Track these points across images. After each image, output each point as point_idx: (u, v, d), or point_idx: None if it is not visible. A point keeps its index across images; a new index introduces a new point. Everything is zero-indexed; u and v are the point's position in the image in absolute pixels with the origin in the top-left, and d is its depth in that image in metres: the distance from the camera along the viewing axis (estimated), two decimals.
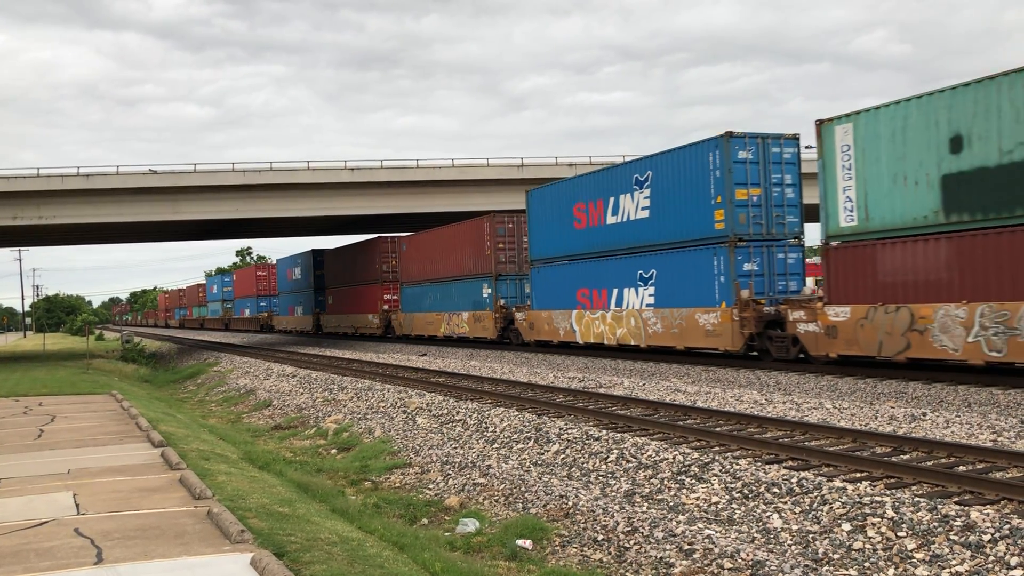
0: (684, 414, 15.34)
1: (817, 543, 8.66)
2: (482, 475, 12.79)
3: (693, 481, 10.97)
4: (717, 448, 12.38)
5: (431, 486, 12.89)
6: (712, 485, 10.70)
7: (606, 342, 27.73)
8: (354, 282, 50.57)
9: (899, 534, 8.39)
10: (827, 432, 12.71)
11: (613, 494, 11.25)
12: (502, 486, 12.07)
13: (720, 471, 10.99)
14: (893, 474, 10.11)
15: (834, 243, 19.82)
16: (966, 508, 8.58)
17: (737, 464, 11.10)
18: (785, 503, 9.70)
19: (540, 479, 12.21)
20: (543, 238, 31.76)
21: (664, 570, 8.60)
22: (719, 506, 10.11)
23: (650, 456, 12.11)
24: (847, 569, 8.06)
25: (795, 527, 9.10)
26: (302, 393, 24.60)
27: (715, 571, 8.34)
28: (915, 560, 7.91)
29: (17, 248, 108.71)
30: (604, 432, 13.81)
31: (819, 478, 10.12)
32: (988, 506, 8.77)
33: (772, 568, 8.10)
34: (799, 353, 20.94)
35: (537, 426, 14.97)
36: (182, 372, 40.56)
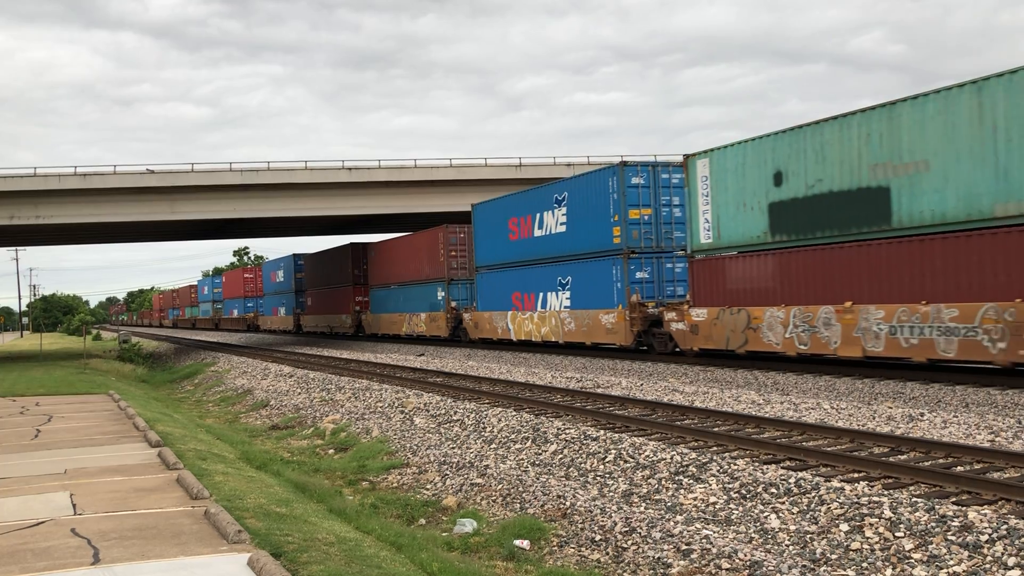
0: (682, 414, 15.34)
1: (815, 543, 8.66)
2: (480, 475, 12.78)
3: (691, 481, 10.97)
4: (715, 448, 12.38)
5: (429, 486, 12.88)
6: (710, 485, 10.70)
7: (533, 339, 31.82)
8: (330, 285, 54.28)
9: (897, 534, 8.39)
10: (825, 432, 12.72)
11: (611, 494, 11.25)
12: (500, 486, 12.06)
13: (718, 471, 10.99)
14: (891, 474, 10.12)
15: (697, 256, 23.59)
16: (964, 508, 8.58)
17: (735, 464, 11.10)
18: (783, 503, 9.70)
19: (538, 479, 12.20)
20: (486, 247, 35.61)
21: (662, 570, 8.60)
22: (717, 506, 10.11)
23: (648, 456, 12.11)
24: (845, 569, 8.06)
25: (793, 527, 9.10)
26: (299, 393, 24.58)
27: (713, 571, 8.34)
28: (912, 560, 7.91)
29: (14, 248, 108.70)
30: (602, 432, 13.81)
31: (817, 478, 10.12)
32: (986, 506, 8.77)
33: (770, 568, 8.10)
34: (674, 347, 24.87)
35: (535, 426, 14.97)
36: (179, 372, 40.52)
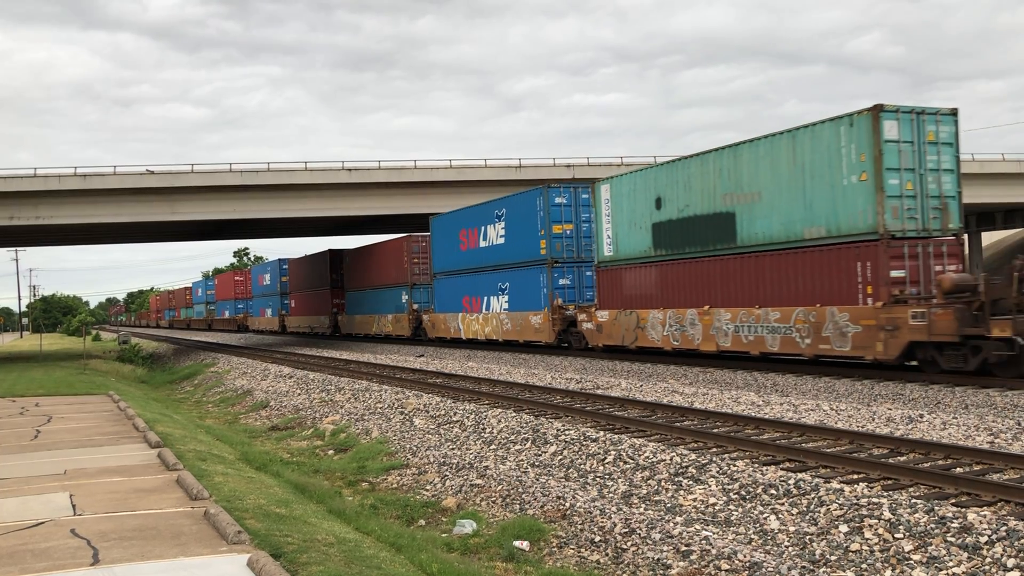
0: (681, 415, 15.34)
1: (814, 544, 8.66)
2: (479, 476, 12.79)
3: (690, 482, 10.97)
4: (714, 449, 12.38)
5: (428, 487, 12.88)
6: (709, 486, 10.70)
7: (479, 337, 35.73)
8: (311, 288, 58.43)
9: (896, 536, 8.39)
10: (824, 433, 12.72)
11: (610, 495, 11.25)
12: (499, 487, 12.07)
13: (717, 472, 10.99)
14: (890, 476, 10.12)
15: (602, 267, 28.03)
16: (963, 510, 8.58)
17: (734, 465, 11.10)
18: (782, 504, 9.71)
19: (537, 480, 12.20)
20: (441, 256, 39.57)
21: (661, 571, 8.60)
22: (716, 507, 10.11)
23: (647, 457, 12.11)
24: (844, 571, 8.06)
25: (792, 528, 9.10)
26: (299, 394, 24.58)
27: (712, 572, 8.34)
28: (912, 562, 7.92)
29: (14, 248, 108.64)
30: (601, 433, 13.81)
31: (816, 479, 10.12)
32: (985, 508, 8.78)
33: (769, 569, 8.10)
34: (585, 344, 29.09)
35: (534, 427, 14.97)
36: (179, 372, 40.51)
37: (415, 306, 42.59)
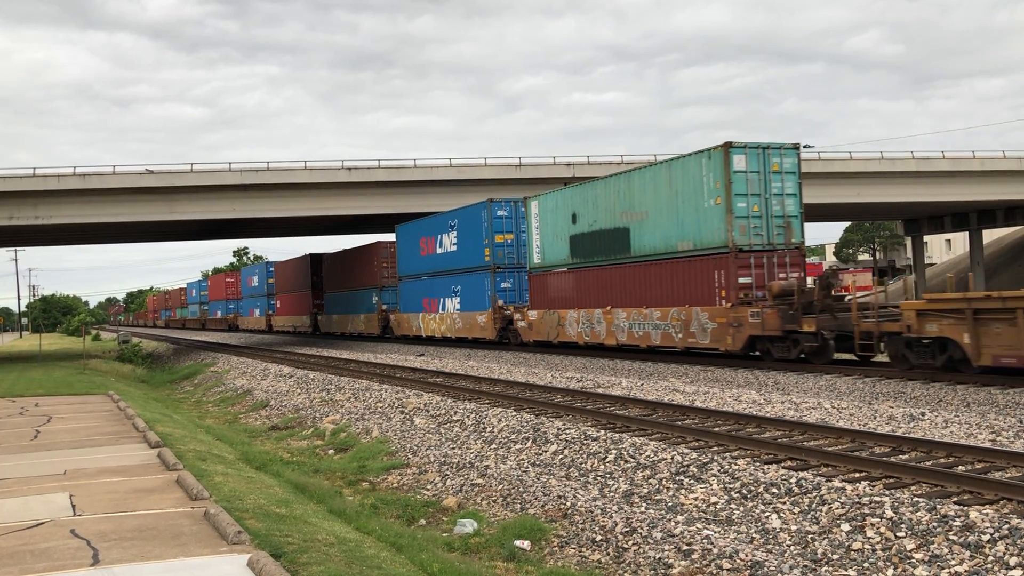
0: (682, 414, 15.32)
1: (816, 543, 8.64)
2: (480, 475, 12.76)
3: (692, 481, 10.95)
4: (716, 448, 12.36)
5: (429, 486, 12.86)
6: (711, 485, 10.68)
7: (436, 335, 39.47)
8: (294, 290, 62.23)
9: (898, 534, 8.37)
10: (826, 432, 12.70)
11: (611, 494, 11.23)
12: (500, 486, 12.04)
13: (719, 471, 10.97)
14: (892, 474, 10.10)
15: (533, 272, 32.29)
16: (965, 508, 8.56)
17: (736, 464, 11.08)
18: (784, 503, 9.68)
19: (538, 479, 12.18)
20: (405, 261, 43.25)
21: (663, 571, 8.58)
22: (718, 506, 10.09)
23: (648, 456, 12.08)
24: (846, 569, 8.04)
25: (794, 527, 9.08)
26: (299, 393, 24.56)
27: (714, 571, 8.32)
28: (914, 560, 7.89)
29: (13, 248, 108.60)
30: (602, 432, 13.78)
31: (818, 478, 10.10)
32: (987, 506, 8.76)
33: (771, 568, 8.08)
34: (520, 340, 33.04)
35: (535, 426, 14.95)
36: (179, 372, 40.49)
37: (384, 307, 46.11)
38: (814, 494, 9.64)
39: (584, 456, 12.90)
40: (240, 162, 42.72)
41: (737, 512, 9.81)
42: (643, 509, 10.43)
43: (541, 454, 13.59)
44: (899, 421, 13.57)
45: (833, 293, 21.63)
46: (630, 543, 9.29)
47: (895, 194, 48.76)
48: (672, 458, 11.77)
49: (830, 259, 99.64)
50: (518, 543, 9.67)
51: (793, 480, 10.12)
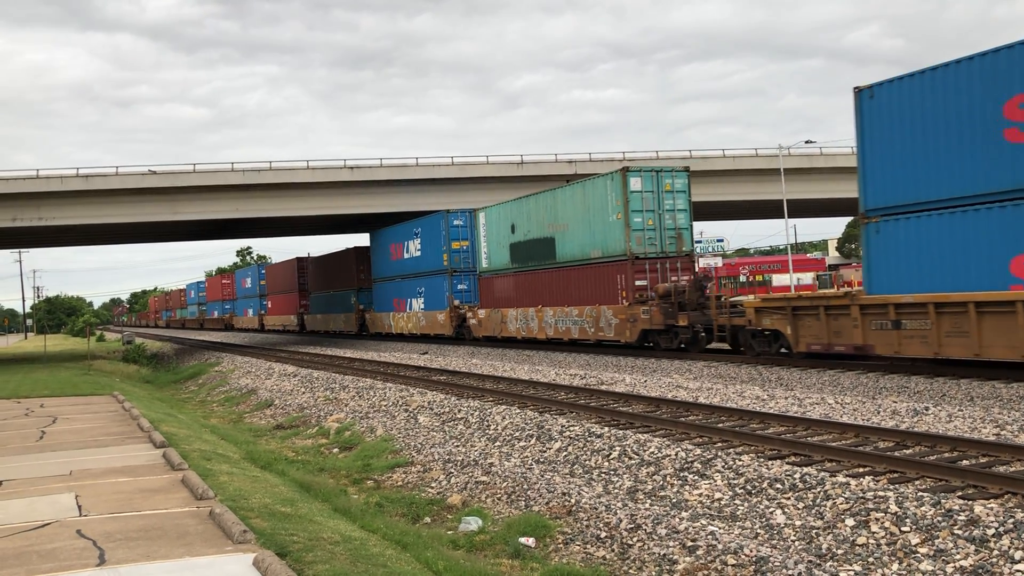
0: (686, 410, 15.33)
1: (821, 539, 8.64)
2: (484, 473, 12.77)
3: (696, 477, 10.95)
4: (719, 444, 12.36)
5: (433, 484, 12.87)
6: (715, 481, 10.69)
7: (405, 332, 43.49)
8: (284, 291, 66.08)
9: (903, 529, 8.37)
10: (830, 427, 12.69)
11: (616, 491, 11.23)
12: (504, 484, 12.05)
13: (723, 467, 10.97)
14: (896, 469, 10.10)
15: (482, 275, 36.49)
16: (970, 502, 8.56)
17: (740, 460, 11.08)
18: (788, 499, 9.69)
19: (542, 477, 12.19)
20: (378, 264, 47.36)
21: (667, 567, 8.59)
22: (722, 502, 10.09)
23: (652, 453, 12.09)
24: (851, 564, 8.04)
25: (798, 523, 9.08)
26: (303, 392, 24.59)
27: (718, 568, 8.32)
28: (919, 555, 7.89)
29: (17, 250, 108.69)
30: (606, 429, 13.79)
31: (822, 473, 10.10)
32: (992, 500, 8.75)
33: (776, 564, 8.08)
34: (472, 336, 37.17)
35: (539, 424, 14.95)
36: (183, 372, 40.54)
37: (361, 307, 50.00)
38: (818, 489, 9.64)
39: (588, 453, 12.91)
40: (243, 162, 42.95)
41: (741, 508, 9.81)
42: (647, 505, 10.44)
43: (545, 451, 13.60)
44: (903, 416, 13.56)
45: (706, 294, 25.49)
46: (635, 539, 9.30)
47: None
48: (676, 454, 11.77)
49: (833, 255, 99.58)
50: (523, 540, 9.68)
51: (797, 475, 10.12)
